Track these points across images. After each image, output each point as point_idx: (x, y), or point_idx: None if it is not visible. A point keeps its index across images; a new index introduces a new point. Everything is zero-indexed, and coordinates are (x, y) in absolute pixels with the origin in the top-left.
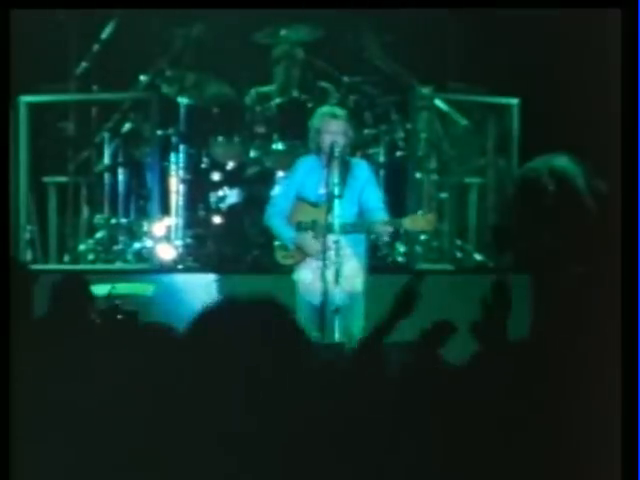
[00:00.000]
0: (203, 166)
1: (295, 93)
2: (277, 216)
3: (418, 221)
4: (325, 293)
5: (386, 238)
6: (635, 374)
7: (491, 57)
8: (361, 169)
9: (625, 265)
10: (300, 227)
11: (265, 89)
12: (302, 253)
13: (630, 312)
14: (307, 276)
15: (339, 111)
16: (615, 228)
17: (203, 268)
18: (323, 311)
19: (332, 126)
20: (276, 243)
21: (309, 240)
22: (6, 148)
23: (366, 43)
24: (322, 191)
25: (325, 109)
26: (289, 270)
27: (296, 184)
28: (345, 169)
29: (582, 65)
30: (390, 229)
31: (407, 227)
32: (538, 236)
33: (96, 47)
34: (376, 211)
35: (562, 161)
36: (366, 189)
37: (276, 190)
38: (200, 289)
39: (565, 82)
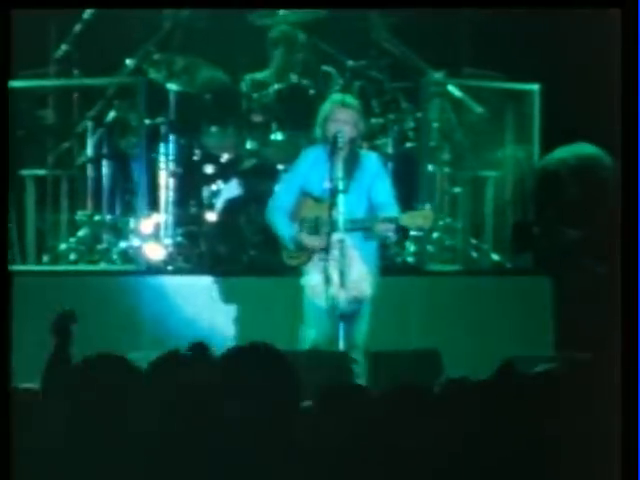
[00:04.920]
0: (195, 158)
1: (295, 78)
2: (279, 211)
3: (415, 218)
4: (331, 297)
5: (391, 236)
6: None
7: (507, 41)
8: (371, 162)
9: None
10: (302, 224)
11: (262, 74)
12: (306, 252)
13: None
14: (314, 278)
15: (351, 100)
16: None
17: (195, 270)
18: (331, 317)
19: (341, 115)
20: (280, 243)
21: (311, 238)
22: None
23: (372, 23)
24: (327, 185)
25: (336, 96)
26: (288, 272)
27: (300, 177)
28: (353, 162)
29: (581, 65)
30: (391, 227)
31: (404, 224)
32: (561, 234)
33: (77, 28)
34: (386, 206)
35: (587, 151)
36: (376, 183)
37: (279, 184)
38: (192, 293)
39: (565, 81)
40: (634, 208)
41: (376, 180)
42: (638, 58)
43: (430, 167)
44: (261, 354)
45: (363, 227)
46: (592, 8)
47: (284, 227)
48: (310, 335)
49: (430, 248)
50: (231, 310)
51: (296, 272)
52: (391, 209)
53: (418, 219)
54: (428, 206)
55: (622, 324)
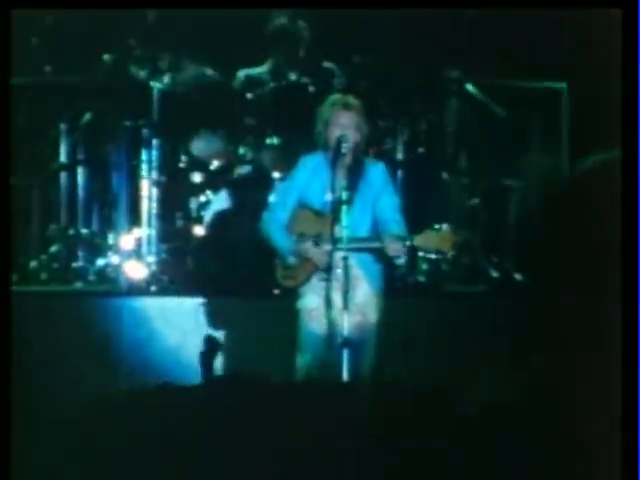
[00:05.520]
0: (181, 165)
1: (293, 76)
2: (274, 224)
3: (432, 239)
4: (332, 322)
5: (400, 258)
6: None
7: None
8: (376, 173)
9: None
10: (302, 240)
11: (257, 71)
12: (305, 270)
13: None
14: (312, 301)
15: (352, 101)
16: None
17: (181, 291)
18: (330, 344)
19: (343, 118)
20: (277, 260)
21: (314, 250)
22: None
23: (380, 14)
24: (328, 196)
25: (336, 97)
26: (287, 294)
27: (298, 187)
28: (357, 171)
29: (582, 65)
30: (402, 247)
31: (419, 246)
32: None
33: (50, 19)
34: (390, 223)
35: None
36: (381, 197)
37: (275, 194)
38: (177, 316)
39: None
40: None
41: (382, 194)
42: (638, 58)
43: (445, 176)
44: (245, 385)
45: (370, 246)
46: (593, 8)
47: (281, 239)
48: (306, 363)
49: (445, 267)
50: (219, 336)
51: (292, 294)
52: (397, 227)
53: (435, 241)
54: (446, 226)
55: None
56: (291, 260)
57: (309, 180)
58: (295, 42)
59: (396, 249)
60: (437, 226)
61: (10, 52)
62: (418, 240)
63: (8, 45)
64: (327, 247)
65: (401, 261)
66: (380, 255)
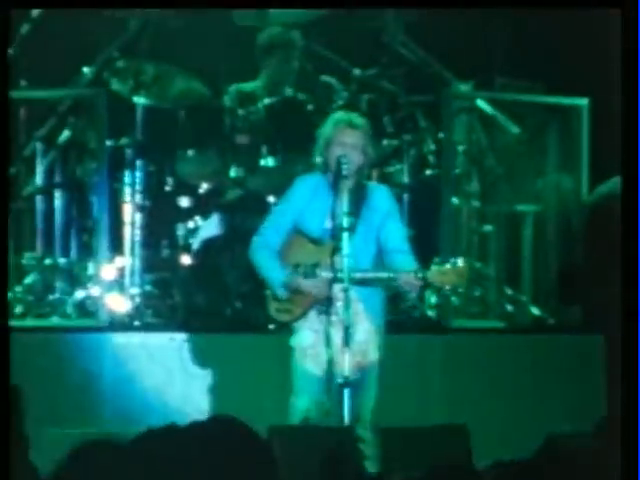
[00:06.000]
0: (167, 188)
1: (289, 91)
2: (265, 250)
3: (447, 275)
4: (330, 361)
5: (413, 293)
6: None
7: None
8: (381, 198)
9: None
10: (296, 271)
11: (250, 85)
12: (302, 302)
13: None
14: (307, 337)
15: (358, 119)
16: None
17: (167, 326)
18: (328, 385)
19: (346, 137)
20: (268, 291)
21: (309, 283)
22: None
23: (385, 23)
24: (327, 223)
25: (340, 115)
26: (282, 329)
27: (294, 211)
28: (360, 196)
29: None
30: (417, 283)
31: (433, 281)
32: (616, 283)
33: (25, 28)
34: (397, 254)
35: None
36: (387, 225)
37: (267, 217)
38: (163, 354)
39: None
40: None
41: (387, 221)
42: (638, 58)
43: (455, 200)
44: (231, 431)
45: (377, 280)
46: (592, 8)
47: (272, 268)
48: (301, 406)
49: (455, 300)
50: (208, 375)
51: (286, 329)
52: (405, 258)
53: (450, 276)
54: (461, 260)
55: None
56: (281, 293)
57: (306, 203)
58: (291, 54)
59: (410, 282)
60: (452, 260)
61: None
62: (432, 275)
63: (8, 45)
64: (326, 278)
65: (413, 295)
66: (386, 288)
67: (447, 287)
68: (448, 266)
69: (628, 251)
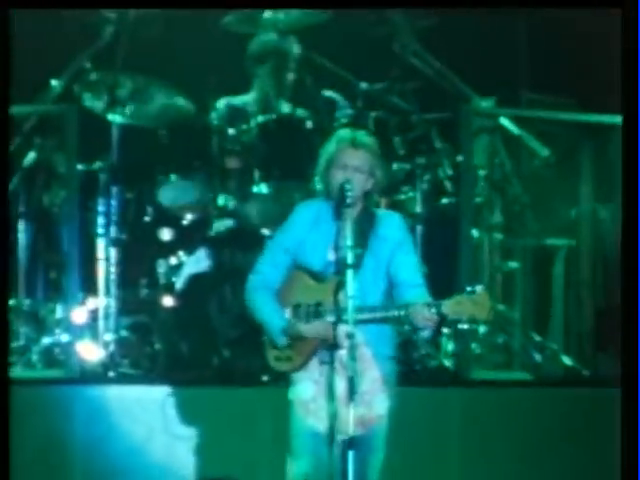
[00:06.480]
0: (147, 219)
1: (286, 107)
2: (263, 291)
3: (464, 305)
4: (333, 417)
5: (426, 331)
6: None
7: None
8: (392, 226)
9: None
10: (297, 312)
11: (241, 100)
12: (305, 349)
13: None
14: (307, 389)
15: (365, 138)
16: None
17: (146, 378)
18: (330, 444)
19: (350, 159)
20: (265, 338)
21: (311, 328)
22: None
23: (395, 30)
24: (331, 255)
25: (344, 133)
26: (278, 380)
27: (293, 243)
28: (367, 225)
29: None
30: (433, 317)
31: (448, 313)
32: None
33: None
34: (409, 287)
35: None
36: (397, 256)
37: (264, 252)
38: (141, 409)
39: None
40: None
41: (398, 252)
42: (638, 58)
43: (475, 232)
44: None
45: (387, 316)
46: (592, 8)
47: (270, 312)
48: (300, 469)
49: (476, 347)
50: (193, 434)
51: (282, 380)
52: (417, 292)
53: (468, 307)
54: (480, 288)
55: None
56: (282, 341)
57: (306, 234)
58: (287, 63)
59: (423, 316)
60: (469, 288)
61: (10, 52)
62: (447, 307)
63: (8, 45)
64: (329, 320)
65: (429, 333)
66: (397, 324)
67: (465, 319)
68: (465, 295)
69: None
